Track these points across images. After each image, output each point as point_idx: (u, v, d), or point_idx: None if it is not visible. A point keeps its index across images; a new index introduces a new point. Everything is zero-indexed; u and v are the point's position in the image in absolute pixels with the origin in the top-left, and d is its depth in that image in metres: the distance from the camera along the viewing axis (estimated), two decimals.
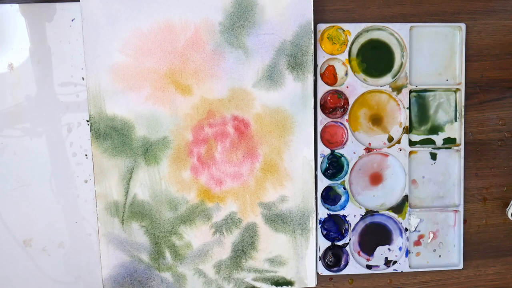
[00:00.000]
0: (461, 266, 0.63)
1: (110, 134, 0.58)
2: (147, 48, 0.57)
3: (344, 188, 0.61)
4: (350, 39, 0.59)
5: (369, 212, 0.61)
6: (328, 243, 0.61)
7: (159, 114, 0.58)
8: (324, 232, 0.61)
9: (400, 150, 0.61)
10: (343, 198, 0.62)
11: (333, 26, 0.59)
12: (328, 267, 0.62)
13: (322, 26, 0.59)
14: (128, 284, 0.59)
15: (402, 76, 0.60)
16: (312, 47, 0.58)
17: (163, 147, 0.58)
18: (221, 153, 0.59)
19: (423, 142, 0.62)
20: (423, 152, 0.62)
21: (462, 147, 0.62)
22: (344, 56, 0.60)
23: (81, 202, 0.59)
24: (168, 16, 0.57)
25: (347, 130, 0.60)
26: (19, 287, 0.59)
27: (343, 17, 0.60)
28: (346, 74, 0.60)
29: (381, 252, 0.62)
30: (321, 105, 0.60)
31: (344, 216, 0.61)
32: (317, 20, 0.59)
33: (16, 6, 0.57)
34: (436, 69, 0.62)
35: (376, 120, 0.61)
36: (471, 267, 0.65)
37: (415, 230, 0.63)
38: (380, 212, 0.62)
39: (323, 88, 0.60)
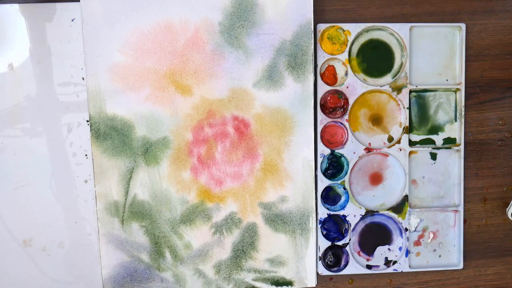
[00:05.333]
0: (461, 266, 0.63)
1: (110, 134, 0.58)
2: (147, 48, 0.57)
3: (344, 188, 0.61)
4: (350, 39, 0.59)
5: (369, 212, 0.61)
6: (328, 243, 0.61)
7: (159, 114, 0.58)
8: (324, 232, 0.61)
9: (400, 150, 0.61)
10: (343, 198, 0.62)
11: (333, 26, 0.59)
12: (328, 267, 0.62)
13: (322, 26, 0.59)
14: (128, 284, 0.59)
15: (402, 76, 0.60)
16: (312, 47, 0.58)
17: (163, 147, 0.58)
18: (221, 153, 0.59)
19: (423, 142, 0.62)
20: (423, 152, 0.62)
21: (462, 147, 0.62)
22: (344, 56, 0.60)
23: (81, 202, 0.59)
24: (168, 16, 0.57)
25: (347, 130, 0.60)
26: (19, 287, 0.59)
27: (343, 17, 0.60)
28: (346, 74, 0.60)
29: (381, 252, 0.62)
30: (321, 105, 0.60)
31: (344, 216, 0.61)
32: (317, 20, 0.59)
33: (16, 6, 0.57)
34: (436, 69, 0.62)
35: (376, 120, 0.61)
36: (471, 267, 0.65)
37: (415, 230, 0.63)
38: (380, 212, 0.62)
39: (323, 88, 0.60)
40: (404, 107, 0.61)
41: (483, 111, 0.63)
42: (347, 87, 0.60)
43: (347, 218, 0.61)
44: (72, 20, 0.57)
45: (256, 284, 0.61)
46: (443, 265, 0.63)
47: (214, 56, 0.58)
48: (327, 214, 0.61)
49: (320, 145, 0.60)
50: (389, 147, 0.61)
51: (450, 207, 0.63)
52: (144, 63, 0.57)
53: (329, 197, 0.61)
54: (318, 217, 0.61)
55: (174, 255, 0.60)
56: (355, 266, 0.62)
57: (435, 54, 0.61)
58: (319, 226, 0.61)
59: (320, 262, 0.61)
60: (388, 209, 0.62)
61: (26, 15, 0.57)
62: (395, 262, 0.62)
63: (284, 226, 0.60)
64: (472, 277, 0.65)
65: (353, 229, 0.62)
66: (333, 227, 0.61)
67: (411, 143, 0.62)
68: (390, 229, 0.63)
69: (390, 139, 0.62)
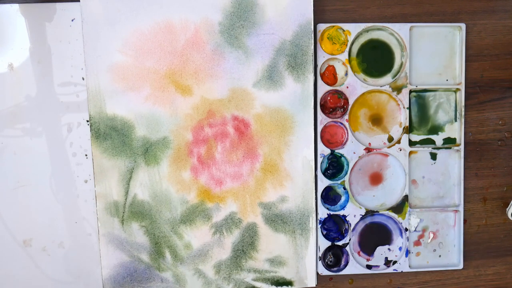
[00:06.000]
0: (461, 266, 0.63)
1: (110, 134, 0.58)
2: (147, 48, 0.57)
3: (344, 188, 0.61)
4: (350, 39, 0.59)
5: (369, 212, 0.61)
6: (328, 243, 0.61)
7: (159, 114, 0.58)
8: (324, 232, 0.61)
9: (400, 150, 0.61)
10: (343, 198, 0.62)
11: (333, 26, 0.59)
12: (328, 267, 0.62)
13: (322, 26, 0.59)
14: (128, 284, 0.59)
15: (402, 76, 0.60)
16: (312, 47, 0.58)
17: (163, 147, 0.58)
18: (221, 153, 0.59)
19: (423, 142, 0.62)
20: (423, 152, 0.62)
21: (462, 147, 0.62)
22: (344, 56, 0.60)
23: (81, 202, 0.59)
24: (168, 16, 0.57)
25: (347, 130, 0.60)
26: (19, 287, 0.59)
27: (343, 17, 0.60)
28: (346, 74, 0.60)
29: (381, 252, 0.62)
30: (321, 105, 0.60)
31: (344, 216, 0.61)
32: (317, 20, 0.59)
33: (16, 6, 0.57)
34: (436, 69, 0.62)
35: (376, 120, 0.61)
36: (471, 267, 0.65)
37: (415, 230, 0.63)
38: (380, 212, 0.62)
39: (323, 88, 0.60)
40: (404, 107, 0.61)
41: (483, 111, 0.63)
42: (347, 87, 0.60)
43: (347, 218, 0.61)
44: (72, 20, 0.57)
45: (256, 284, 0.61)
46: (443, 265, 0.63)
47: (214, 56, 0.58)
48: (327, 214, 0.61)
49: (320, 145, 0.60)
50: (389, 147, 0.61)
51: (450, 207, 0.63)
52: (144, 63, 0.57)
53: (329, 197, 0.61)
54: (318, 217, 0.61)
55: (174, 255, 0.60)
56: (355, 266, 0.62)
57: (435, 54, 0.61)
58: (319, 226, 0.61)
59: (320, 262, 0.61)
60: (388, 209, 0.62)
61: (26, 15, 0.57)
62: (395, 262, 0.62)
63: (284, 226, 0.60)
64: (472, 277, 0.65)
65: (353, 229, 0.62)
66: (333, 227, 0.61)
67: (411, 143, 0.62)
68: (390, 229, 0.63)
69: (390, 139, 0.62)
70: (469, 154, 0.63)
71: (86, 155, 0.59)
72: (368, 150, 0.61)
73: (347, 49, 0.60)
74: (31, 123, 0.58)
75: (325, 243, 0.61)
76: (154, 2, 0.57)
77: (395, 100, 0.61)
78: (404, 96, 0.61)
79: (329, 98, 0.60)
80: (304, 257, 0.61)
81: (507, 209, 0.63)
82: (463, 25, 0.61)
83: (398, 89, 0.61)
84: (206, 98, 0.58)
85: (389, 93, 0.61)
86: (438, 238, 0.63)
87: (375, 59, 0.61)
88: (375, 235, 0.62)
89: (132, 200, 0.58)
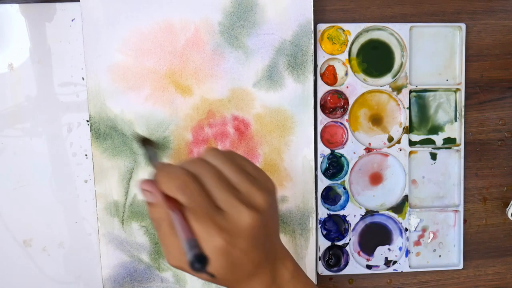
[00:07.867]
0: (461, 266, 0.63)
1: (110, 134, 0.57)
2: (147, 48, 0.57)
3: (344, 188, 0.61)
4: (350, 39, 0.59)
5: (369, 212, 0.61)
6: (328, 243, 0.61)
7: (159, 114, 0.58)
8: (324, 232, 0.61)
9: (400, 150, 0.61)
10: (343, 198, 0.62)
11: (333, 26, 0.59)
12: (328, 267, 0.61)
13: (322, 26, 0.59)
14: (128, 284, 0.59)
15: (402, 76, 0.60)
16: (312, 47, 0.58)
17: (163, 147, 0.58)
18: None
19: (423, 142, 0.62)
20: (423, 152, 0.62)
21: (462, 147, 0.62)
22: (344, 56, 0.60)
23: (81, 202, 0.59)
24: (168, 16, 0.57)
25: (347, 130, 0.60)
26: (19, 287, 0.59)
27: (343, 17, 0.60)
28: (346, 74, 0.60)
29: (381, 252, 0.62)
30: (321, 105, 0.60)
31: (344, 216, 0.61)
32: (317, 20, 0.59)
33: (16, 6, 0.57)
34: (436, 69, 0.62)
35: (376, 120, 0.61)
36: (471, 267, 0.65)
37: (415, 230, 0.63)
38: (380, 212, 0.62)
39: (323, 88, 0.60)
40: (404, 107, 0.61)
41: (483, 111, 0.63)
42: (347, 87, 0.60)
43: (347, 218, 0.61)
44: (72, 20, 0.57)
45: None
46: (443, 265, 0.63)
47: (214, 56, 0.58)
48: (327, 214, 0.61)
49: (320, 145, 0.60)
50: (389, 147, 0.61)
51: (450, 207, 0.63)
52: (144, 63, 0.57)
53: (329, 197, 0.61)
54: (318, 217, 0.61)
55: None
56: (355, 266, 0.61)
57: (435, 54, 0.61)
58: (319, 226, 0.61)
59: (320, 262, 0.61)
60: (388, 209, 0.62)
61: (26, 15, 0.57)
62: (395, 262, 0.62)
63: (284, 226, 0.60)
64: (472, 277, 0.65)
65: (353, 229, 0.62)
66: (333, 227, 0.61)
67: (411, 143, 0.62)
68: (390, 229, 0.63)
69: (390, 139, 0.62)
70: (469, 154, 0.63)
71: (86, 155, 0.59)
72: (368, 150, 0.61)
73: (347, 49, 0.60)
74: (31, 123, 0.58)
75: (325, 243, 0.61)
76: (154, 2, 0.57)
77: (395, 100, 0.61)
78: (404, 96, 0.61)
79: (329, 98, 0.60)
80: (304, 257, 0.61)
81: (507, 209, 0.63)
82: (463, 25, 0.61)
83: (398, 89, 0.61)
84: (206, 98, 0.58)
85: (389, 93, 0.61)
86: (438, 238, 0.63)
87: (375, 59, 0.61)
88: (375, 235, 0.62)
89: (132, 200, 0.58)
